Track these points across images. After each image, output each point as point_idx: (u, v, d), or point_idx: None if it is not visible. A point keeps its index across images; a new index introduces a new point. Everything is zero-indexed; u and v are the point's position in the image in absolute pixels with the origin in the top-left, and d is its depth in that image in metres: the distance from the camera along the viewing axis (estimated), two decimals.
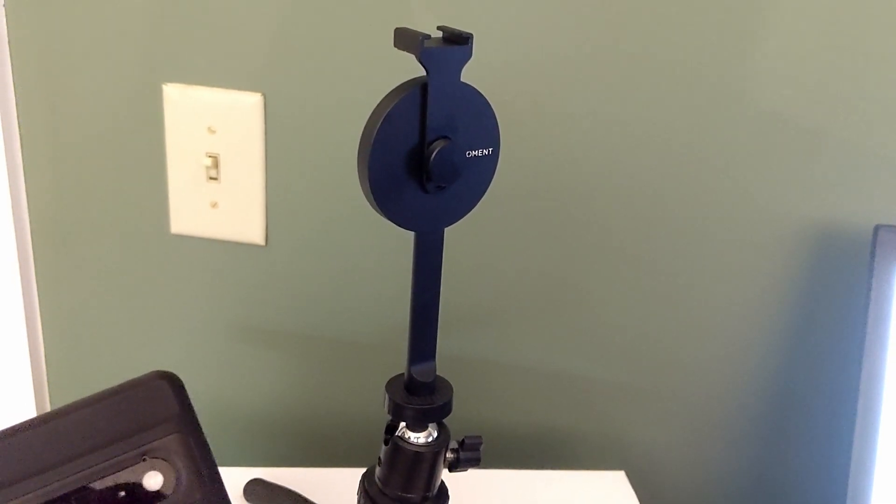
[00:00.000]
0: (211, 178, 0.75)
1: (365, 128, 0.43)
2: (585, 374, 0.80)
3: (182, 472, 0.46)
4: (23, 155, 0.76)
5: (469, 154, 0.46)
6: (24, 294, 0.80)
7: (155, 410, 0.47)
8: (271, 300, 0.79)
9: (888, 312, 0.67)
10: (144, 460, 0.46)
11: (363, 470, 0.54)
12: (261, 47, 0.71)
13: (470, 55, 0.43)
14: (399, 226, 0.46)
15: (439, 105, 0.43)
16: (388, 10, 0.68)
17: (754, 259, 0.75)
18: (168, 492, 0.46)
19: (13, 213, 0.77)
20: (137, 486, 0.45)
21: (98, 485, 0.45)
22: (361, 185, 0.44)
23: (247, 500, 0.71)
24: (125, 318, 0.81)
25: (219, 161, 0.74)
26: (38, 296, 0.81)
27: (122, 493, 0.45)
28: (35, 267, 0.80)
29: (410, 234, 0.47)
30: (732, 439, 0.82)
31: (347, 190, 0.74)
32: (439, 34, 0.44)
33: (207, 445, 0.48)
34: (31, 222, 0.78)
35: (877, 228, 0.67)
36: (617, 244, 0.75)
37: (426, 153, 0.44)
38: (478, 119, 0.45)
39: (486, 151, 0.47)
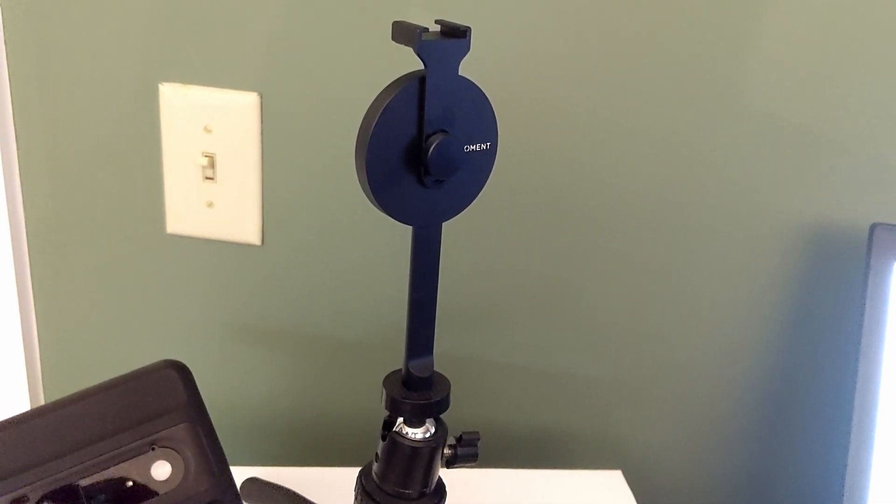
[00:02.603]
0: (207, 178, 0.75)
1: (363, 121, 0.43)
2: (582, 373, 0.80)
3: (190, 461, 0.46)
4: (18, 153, 0.76)
5: (467, 148, 0.46)
6: (19, 293, 0.79)
7: (163, 399, 0.47)
8: (267, 300, 0.79)
9: (884, 311, 0.67)
10: (153, 449, 0.46)
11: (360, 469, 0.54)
12: (257, 47, 0.71)
13: (468, 49, 0.43)
14: (397, 220, 0.45)
15: (437, 98, 0.43)
16: (385, 9, 0.68)
17: (751, 258, 0.75)
18: (176, 481, 0.46)
19: (9, 212, 0.76)
20: (145, 476, 0.45)
21: (105, 474, 0.45)
22: (359, 179, 0.44)
23: (243, 499, 0.71)
24: (120, 318, 0.81)
25: (215, 161, 0.74)
26: (34, 295, 0.81)
27: (130, 483, 0.45)
28: (31, 266, 0.80)
29: (407, 234, 0.47)
30: (729, 438, 0.82)
31: (344, 190, 0.74)
32: (437, 28, 0.44)
33: (216, 435, 0.48)
34: (26, 221, 0.78)
35: (873, 227, 0.67)
36: (613, 243, 0.75)
37: (424, 147, 0.43)
38: (476, 113, 0.45)
39: (484, 146, 0.47)
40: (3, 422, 0.46)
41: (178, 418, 0.47)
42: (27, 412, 0.46)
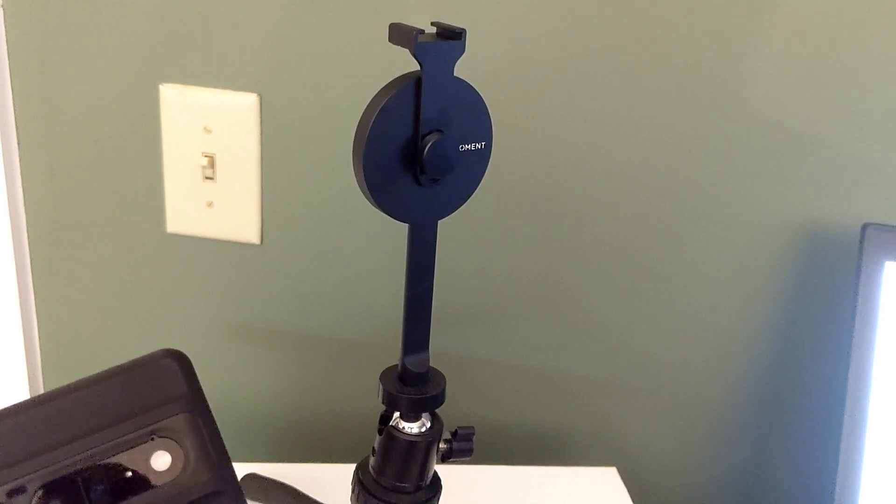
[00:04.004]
0: (207, 178, 0.75)
1: (360, 121, 0.43)
2: (577, 371, 0.81)
3: (190, 452, 0.46)
4: (20, 153, 0.76)
5: (462, 148, 0.46)
6: (20, 293, 0.80)
7: (163, 389, 0.46)
8: (266, 299, 0.80)
9: (876, 310, 0.67)
10: (153, 440, 0.45)
11: None
12: (257, 48, 0.71)
13: (463, 50, 0.44)
14: (393, 218, 0.46)
15: (433, 99, 0.44)
16: (383, 11, 0.69)
17: (744, 258, 0.76)
18: (176, 472, 0.45)
19: (10, 212, 0.77)
20: (145, 466, 0.45)
21: (105, 464, 0.44)
22: (356, 178, 0.45)
23: None
24: (120, 317, 0.82)
25: (215, 161, 0.75)
26: (34, 295, 0.81)
27: (129, 473, 0.45)
28: (31, 266, 0.80)
29: (404, 234, 0.48)
30: (723, 436, 0.82)
31: (342, 189, 0.75)
32: (433, 30, 0.45)
33: (216, 425, 0.47)
34: (27, 221, 0.79)
35: (864, 227, 0.68)
36: (608, 243, 0.76)
37: (420, 146, 0.44)
38: (471, 113, 0.46)
39: (478, 145, 0.47)
40: (0, 411, 0.45)
41: (177, 408, 0.46)
42: (25, 401, 0.45)
